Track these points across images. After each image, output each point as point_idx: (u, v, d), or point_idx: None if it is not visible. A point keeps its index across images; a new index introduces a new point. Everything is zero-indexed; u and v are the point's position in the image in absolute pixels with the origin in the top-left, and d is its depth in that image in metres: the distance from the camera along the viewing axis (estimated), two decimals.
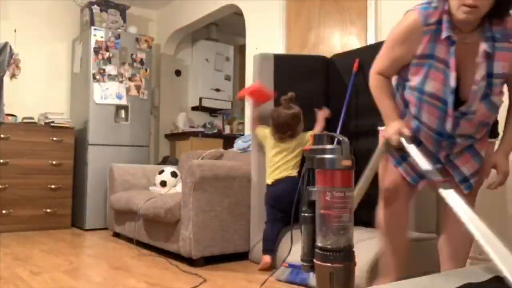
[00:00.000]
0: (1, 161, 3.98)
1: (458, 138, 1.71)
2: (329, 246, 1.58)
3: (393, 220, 1.91)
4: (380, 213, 1.94)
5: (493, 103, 1.65)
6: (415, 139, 1.74)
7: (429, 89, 1.64)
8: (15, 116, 4.33)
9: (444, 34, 1.58)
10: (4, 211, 3.97)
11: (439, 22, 1.60)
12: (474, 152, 1.76)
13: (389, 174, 1.88)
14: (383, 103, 1.77)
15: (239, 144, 3.56)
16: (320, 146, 1.60)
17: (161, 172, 3.77)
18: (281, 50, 3.78)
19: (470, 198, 1.77)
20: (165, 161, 4.89)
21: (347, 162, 1.58)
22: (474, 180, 1.77)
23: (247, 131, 4.05)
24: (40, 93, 4.69)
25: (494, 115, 1.74)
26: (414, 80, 1.68)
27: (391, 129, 1.71)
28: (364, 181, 1.81)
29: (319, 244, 1.57)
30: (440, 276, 1.35)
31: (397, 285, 1.22)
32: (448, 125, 1.66)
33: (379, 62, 1.80)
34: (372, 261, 2.18)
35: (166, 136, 5.46)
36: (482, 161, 1.77)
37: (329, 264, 1.56)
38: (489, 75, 1.60)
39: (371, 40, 3.07)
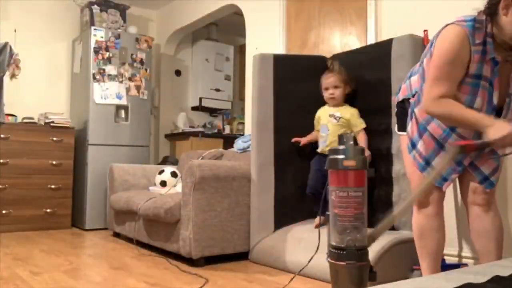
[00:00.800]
0: (1, 161, 3.98)
1: (487, 147, 1.74)
2: (334, 244, 1.64)
3: (427, 224, 1.94)
4: (414, 217, 1.97)
5: None
6: None
7: (476, 106, 1.71)
8: (15, 116, 4.33)
9: (489, 55, 1.66)
10: (4, 211, 3.97)
11: (484, 43, 1.66)
12: (492, 151, 1.79)
13: (418, 178, 1.91)
14: (468, 114, 1.66)
15: (239, 144, 3.56)
16: (337, 147, 1.69)
17: (161, 172, 3.77)
18: (281, 50, 3.78)
19: (491, 196, 1.84)
20: (165, 161, 4.89)
21: (349, 162, 1.60)
22: (495, 178, 1.82)
23: (247, 131, 4.05)
24: (40, 93, 4.69)
25: None
26: (463, 98, 1.72)
27: (501, 131, 1.57)
28: (424, 187, 1.76)
29: (331, 241, 1.65)
30: (440, 276, 1.35)
31: (397, 285, 1.22)
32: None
33: (439, 87, 1.68)
34: (373, 261, 2.18)
35: (166, 136, 5.46)
36: (499, 159, 1.81)
37: (333, 262, 1.61)
38: None
39: (371, 40, 3.07)
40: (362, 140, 2.72)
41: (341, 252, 1.61)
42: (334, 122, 2.77)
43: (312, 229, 2.75)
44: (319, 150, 2.85)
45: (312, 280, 2.40)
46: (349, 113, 2.76)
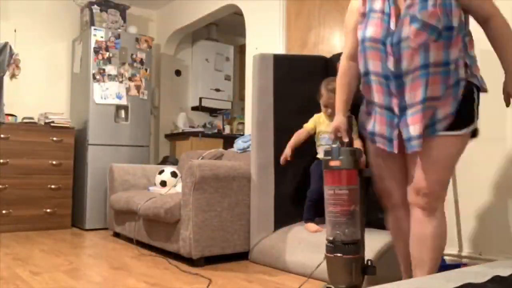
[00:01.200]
0: (1, 161, 3.98)
1: (405, 77, 1.63)
2: (328, 238, 1.78)
3: (395, 226, 1.95)
4: (388, 219, 2.00)
5: (422, 21, 1.57)
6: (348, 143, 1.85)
7: (370, 35, 1.70)
8: (15, 116, 4.33)
9: None
10: (4, 211, 3.97)
11: None
12: (425, 115, 1.64)
13: (379, 176, 1.91)
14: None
15: (239, 144, 3.56)
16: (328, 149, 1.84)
17: (161, 172, 3.77)
18: (281, 50, 3.78)
19: (436, 200, 1.70)
20: (165, 161, 4.89)
21: (334, 163, 1.71)
22: (419, 142, 1.63)
23: (247, 131, 4.05)
24: (40, 93, 4.69)
25: (435, 37, 1.57)
26: (359, 35, 1.78)
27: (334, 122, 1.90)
28: None
29: (327, 236, 1.81)
30: (440, 276, 1.35)
31: (396, 285, 1.22)
32: (390, 63, 1.64)
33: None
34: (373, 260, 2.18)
35: (166, 136, 5.45)
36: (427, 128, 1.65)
37: (326, 254, 1.76)
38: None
39: None
40: None
41: (331, 245, 1.73)
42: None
43: None
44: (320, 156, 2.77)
45: (312, 281, 2.40)
46: None
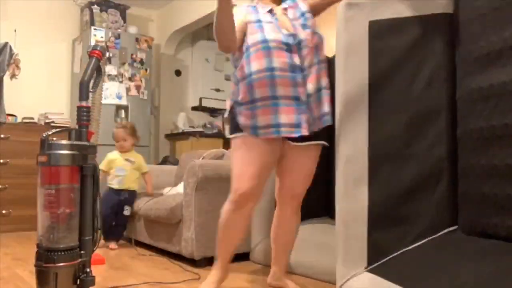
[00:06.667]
0: (1, 161, 3.97)
1: (307, 70, 1.93)
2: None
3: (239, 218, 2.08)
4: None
5: (310, 26, 1.98)
6: None
7: (272, 37, 1.89)
8: (15, 116, 4.32)
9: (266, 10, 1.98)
10: (4, 211, 3.96)
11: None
12: (320, 102, 1.96)
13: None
14: None
15: None
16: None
17: None
18: None
19: (292, 166, 2.02)
20: (165, 161, 4.89)
21: (42, 158, 1.61)
22: (330, 118, 1.97)
23: None
24: (40, 93, 4.68)
25: (320, 38, 2.03)
26: (255, 38, 1.91)
27: None
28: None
29: None
30: None
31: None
32: (297, 60, 1.90)
33: None
34: None
35: (166, 136, 5.45)
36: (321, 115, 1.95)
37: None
38: (302, 14, 2.00)
39: None
40: (150, 180, 3.47)
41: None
42: (129, 165, 3.39)
43: (313, 229, 2.75)
44: (115, 186, 3.35)
45: (314, 282, 2.40)
46: (138, 158, 3.48)
